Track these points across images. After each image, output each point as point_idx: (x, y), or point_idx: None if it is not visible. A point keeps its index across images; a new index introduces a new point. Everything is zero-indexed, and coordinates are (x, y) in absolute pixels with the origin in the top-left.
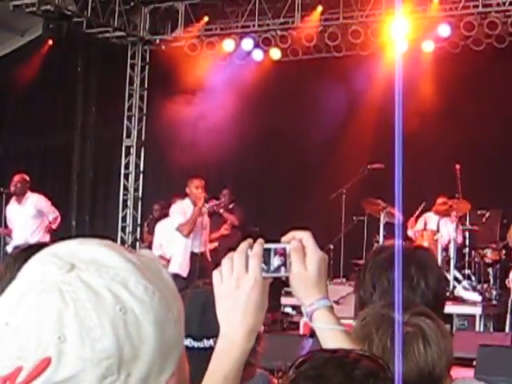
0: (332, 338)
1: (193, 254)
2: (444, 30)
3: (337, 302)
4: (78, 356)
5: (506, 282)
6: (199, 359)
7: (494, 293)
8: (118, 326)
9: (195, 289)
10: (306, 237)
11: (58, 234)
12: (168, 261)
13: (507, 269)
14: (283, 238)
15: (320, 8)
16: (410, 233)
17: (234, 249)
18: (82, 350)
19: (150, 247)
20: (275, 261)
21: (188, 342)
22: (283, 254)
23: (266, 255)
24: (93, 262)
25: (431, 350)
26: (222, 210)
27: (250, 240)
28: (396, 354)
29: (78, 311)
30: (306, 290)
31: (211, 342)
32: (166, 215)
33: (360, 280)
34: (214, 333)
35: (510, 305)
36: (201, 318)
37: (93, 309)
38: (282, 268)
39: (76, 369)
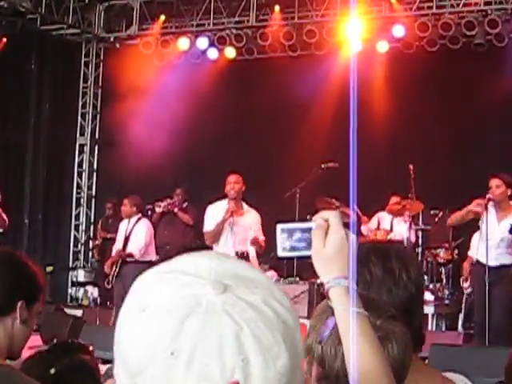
0: (343, 318)
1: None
2: (398, 31)
3: None
4: (264, 376)
5: (461, 280)
6: None
7: (447, 292)
8: (286, 340)
9: None
10: (331, 216)
11: (11, 232)
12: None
13: (459, 268)
14: (313, 218)
15: (277, 7)
16: (363, 229)
17: (188, 248)
18: (266, 370)
19: (102, 244)
20: (301, 239)
21: None
22: (309, 232)
23: (292, 234)
24: (236, 277)
25: (401, 350)
26: (175, 209)
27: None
28: (351, 348)
29: (254, 331)
30: (324, 268)
31: None
32: (117, 213)
33: None
34: None
35: (464, 303)
36: None
37: (265, 327)
38: (308, 246)
39: None
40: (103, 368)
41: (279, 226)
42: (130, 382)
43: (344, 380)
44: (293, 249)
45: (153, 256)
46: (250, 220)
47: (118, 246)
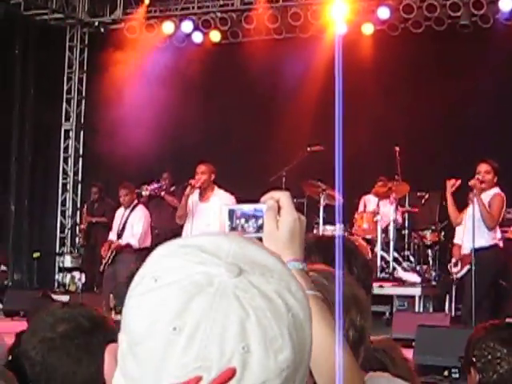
0: None
1: None
2: (383, 13)
3: None
4: (262, 367)
5: (448, 266)
6: None
7: (434, 274)
8: (293, 334)
9: None
10: (283, 197)
11: None
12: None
13: (446, 250)
14: (262, 199)
15: None
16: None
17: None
18: (266, 361)
19: (87, 228)
20: (252, 221)
21: None
22: (260, 214)
23: (241, 215)
24: (254, 263)
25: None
26: (163, 193)
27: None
28: (337, 316)
29: (260, 320)
30: (277, 251)
31: None
32: (103, 198)
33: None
34: None
35: (453, 288)
36: None
37: (273, 317)
38: (259, 228)
39: (259, 380)
40: None
41: (226, 207)
42: (130, 350)
43: None
44: (242, 231)
45: (149, 242)
46: (214, 204)
47: (113, 235)
